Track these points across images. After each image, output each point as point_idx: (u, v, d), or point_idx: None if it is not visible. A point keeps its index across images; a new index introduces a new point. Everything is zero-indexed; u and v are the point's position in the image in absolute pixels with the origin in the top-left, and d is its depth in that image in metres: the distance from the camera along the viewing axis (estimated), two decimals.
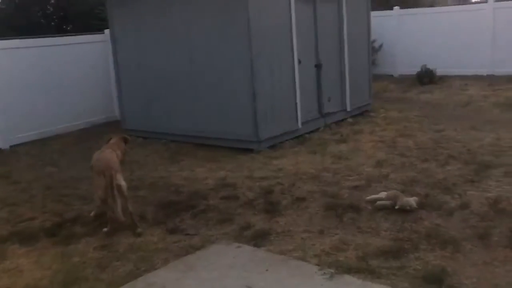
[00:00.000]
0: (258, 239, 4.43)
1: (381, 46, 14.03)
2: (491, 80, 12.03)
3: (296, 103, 7.92)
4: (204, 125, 7.89)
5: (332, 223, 4.66)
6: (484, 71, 12.67)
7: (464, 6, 16.22)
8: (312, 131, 8.20)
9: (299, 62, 7.89)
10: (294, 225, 4.69)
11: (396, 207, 4.74)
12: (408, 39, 13.82)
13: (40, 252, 4.50)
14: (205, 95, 7.82)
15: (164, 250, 4.38)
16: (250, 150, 7.27)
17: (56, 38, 10.38)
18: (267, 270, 3.86)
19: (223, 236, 4.57)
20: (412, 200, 4.79)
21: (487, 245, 4.03)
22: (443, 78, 12.46)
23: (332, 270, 3.75)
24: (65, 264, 4.24)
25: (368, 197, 5.08)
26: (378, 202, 4.91)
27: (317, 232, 4.49)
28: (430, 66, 12.57)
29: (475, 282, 3.52)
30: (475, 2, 19.74)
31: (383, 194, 4.99)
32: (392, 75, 13.95)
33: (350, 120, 8.98)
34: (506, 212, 4.59)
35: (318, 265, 3.87)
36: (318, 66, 8.43)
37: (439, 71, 12.55)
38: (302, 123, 8.04)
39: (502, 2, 12.79)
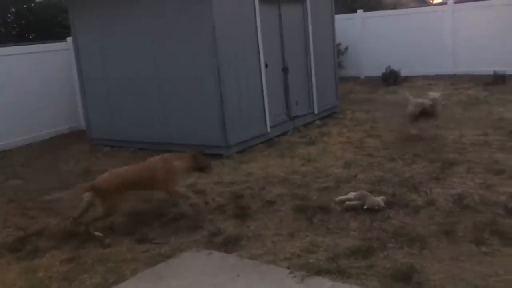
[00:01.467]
0: (229, 245, 4.40)
1: (346, 48, 14.22)
2: (453, 80, 12.36)
3: (264, 107, 7.94)
4: (173, 132, 7.80)
5: (302, 225, 4.67)
6: (446, 71, 13.00)
7: (425, 8, 16.60)
8: (281, 134, 8.23)
9: (266, 66, 7.92)
10: (264, 229, 4.69)
11: (365, 207, 4.80)
12: (372, 41, 14.05)
13: (3, 269, 4.35)
14: (172, 101, 7.74)
15: (133, 260, 4.29)
16: (220, 156, 7.24)
17: (17, 47, 10.07)
18: (238, 275, 3.84)
19: (193, 244, 4.52)
20: (380, 200, 4.87)
21: (453, 241, 4.12)
22: (408, 79, 12.73)
23: (303, 273, 3.76)
24: (30, 280, 4.11)
25: (337, 198, 5.13)
26: (347, 203, 4.96)
27: (287, 235, 4.50)
28: (395, 67, 12.82)
29: (442, 277, 3.59)
30: (436, 4, 20.29)
31: (351, 195, 5.05)
32: (358, 77, 14.15)
33: (318, 122, 9.06)
34: (470, 208, 4.71)
35: (288, 268, 3.88)
36: (284, 70, 8.48)
37: (404, 72, 12.79)
38: (271, 127, 8.07)
39: (460, 4, 13.18)
